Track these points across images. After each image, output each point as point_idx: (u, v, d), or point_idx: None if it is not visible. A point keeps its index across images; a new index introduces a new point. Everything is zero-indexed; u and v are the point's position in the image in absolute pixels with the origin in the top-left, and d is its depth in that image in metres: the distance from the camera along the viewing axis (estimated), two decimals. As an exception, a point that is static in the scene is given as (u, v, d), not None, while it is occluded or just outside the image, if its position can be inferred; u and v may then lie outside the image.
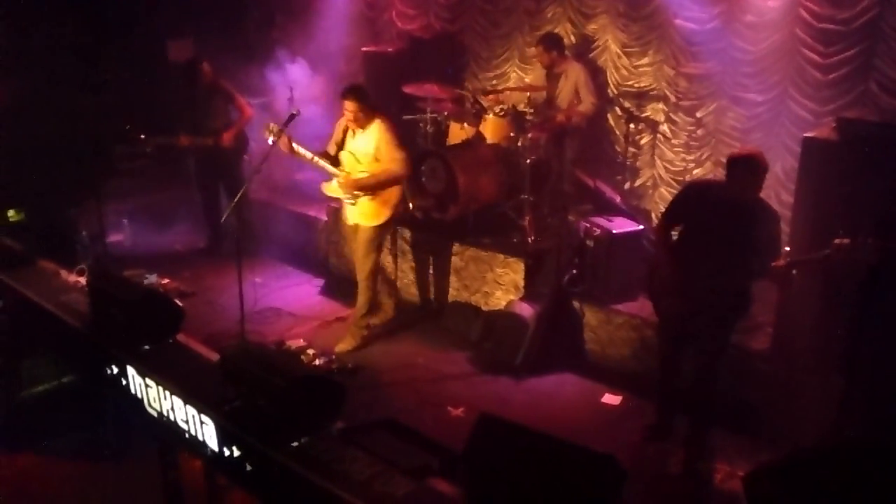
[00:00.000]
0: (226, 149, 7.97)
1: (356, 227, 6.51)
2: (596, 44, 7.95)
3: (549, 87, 7.61)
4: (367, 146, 6.25)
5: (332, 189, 6.42)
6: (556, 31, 8.03)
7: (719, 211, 4.86)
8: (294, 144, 6.24)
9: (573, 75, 7.44)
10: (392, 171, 6.24)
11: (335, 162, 6.37)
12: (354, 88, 6.32)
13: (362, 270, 6.54)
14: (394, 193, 6.34)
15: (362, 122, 6.23)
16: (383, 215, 6.36)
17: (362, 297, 6.60)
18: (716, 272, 4.84)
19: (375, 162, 6.26)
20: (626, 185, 7.67)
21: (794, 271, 4.92)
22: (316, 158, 6.30)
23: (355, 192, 6.29)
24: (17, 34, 8.67)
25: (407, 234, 7.44)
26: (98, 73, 8.94)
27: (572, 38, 8.03)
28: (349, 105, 6.18)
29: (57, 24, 8.78)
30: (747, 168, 4.79)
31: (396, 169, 6.24)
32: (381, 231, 6.48)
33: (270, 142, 6.14)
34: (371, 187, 6.26)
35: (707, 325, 4.99)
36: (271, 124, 6.23)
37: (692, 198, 5.13)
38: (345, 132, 6.38)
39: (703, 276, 4.87)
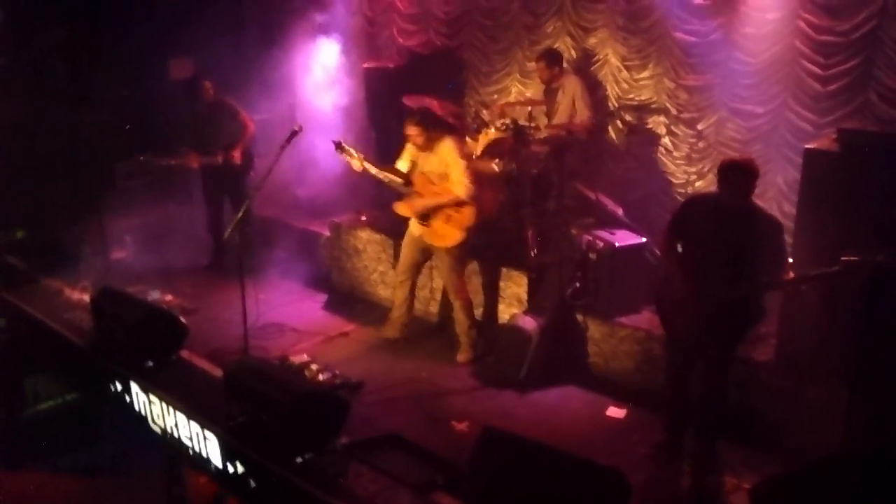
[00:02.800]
0: (235, 165, 7.99)
1: (426, 245, 6.56)
2: (596, 57, 7.98)
3: (548, 102, 7.64)
4: (440, 167, 6.31)
5: (402, 208, 6.47)
6: (556, 45, 8.05)
7: (722, 223, 4.87)
8: (366, 164, 6.33)
9: (570, 89, 7.48)
10: (454, 194, 6.28)
11: (408, 181, 6.40)
12: (416, 113, 6.42)
13: (451, 290, 6.64)
14: (467, 216, 6.30)
15: (427, 146, 6.30)
16: (457, 237, 6.35)
17: (462, 313, 6.65)
18: (724, 285, 4.84)
19: (447, 181, 6.29)
20: (628, 198, 7.67)
21: (803, 286, 4.94)
22: (388, 178, 6.37)
23: (424, 214, 6.36)
24: (19, 53, 8.72)
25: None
26: (99, 92, 9.00)
27: (572, 52, 8.06)
28: (411, 129, 6.26)
29: (58, 42, 8.84)
30: (737, 173, 4.84)
31: (458, 192, 6.26)
32: (460, 252, 6.48)
33: (345, 158, 6.31)
34: (433, 209, 6.33)
35: (717, 337, 4.98)
36: (342, 143, 6.38)
37: (694, 212, 5.14)
38: (418, 152, 6.42)
39: (711, 290, 4.87)
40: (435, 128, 6.36)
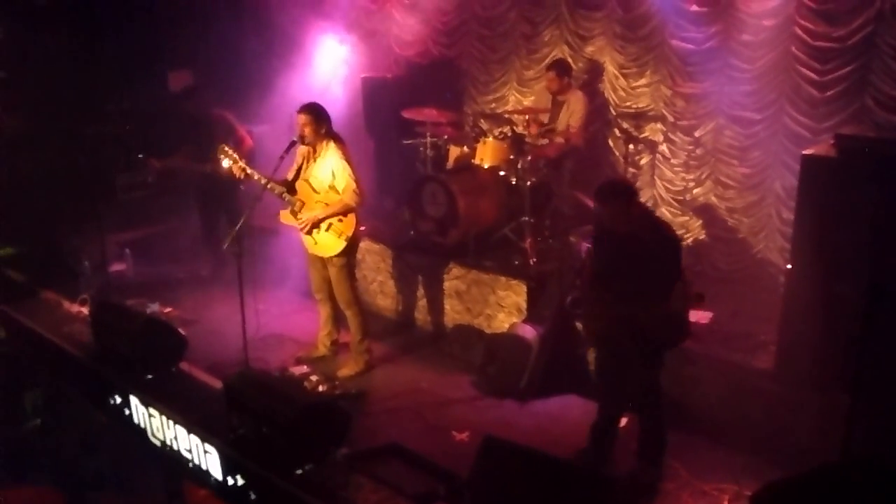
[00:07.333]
0: (227, 177, 7.98)
1: (320, 257, 6.42)
2: (593, 65, 7.99)
3: (553, 112, 7.63)
4: (325, 174, 6.15)
5: (286, 217, 6.32)
6: (554, 54, 8.09)
7: (619, 243, 4.82)
8: (248, 169, 6.19)
9: (573, 105, 7.49)
10: (344, 202, 6.12)
11: (291, 190, 6.26)
12: (312, 104, 6.24)
13: (342, 301, 6.46)
14: (348, 225, 6.19)
15: (312, 140, 6.12)
16: (339, 246, 6.21)
17: (353, 325, 6.53)
18: (626, 303, 4.79)
19: (331, 191, 6.14)
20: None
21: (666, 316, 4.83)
22: (271, 185, 6.16)
23: (308, 223, 6.21)
24: (20, 66, 8.74)
25: (409, 258, 7.44)
26: (99, 104, 9.02)
27: (570, 60, 8.07)
28: (301, 118, 6.10)
29: (58, 55, 8.86)
30: (600, 199, 4.78)
31: (347, 200, 6.11)
32: (345, 258, 6.33)
33: (225, 165, 6.22)
34: (322, 221, 6.18)
35: (638, 349, 4.92)
36: (225, 147, 6.28)
37: (599, 234, 5.10)
38: (304, 160, 6.27)
39: (617, 308, 4.85)
40: (324, 124, 6.14)
